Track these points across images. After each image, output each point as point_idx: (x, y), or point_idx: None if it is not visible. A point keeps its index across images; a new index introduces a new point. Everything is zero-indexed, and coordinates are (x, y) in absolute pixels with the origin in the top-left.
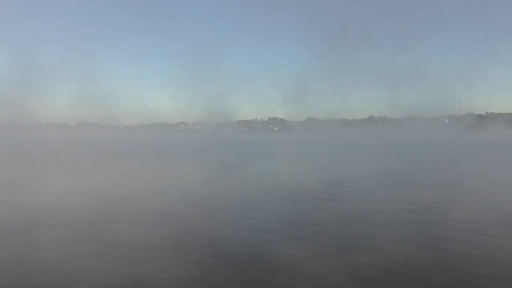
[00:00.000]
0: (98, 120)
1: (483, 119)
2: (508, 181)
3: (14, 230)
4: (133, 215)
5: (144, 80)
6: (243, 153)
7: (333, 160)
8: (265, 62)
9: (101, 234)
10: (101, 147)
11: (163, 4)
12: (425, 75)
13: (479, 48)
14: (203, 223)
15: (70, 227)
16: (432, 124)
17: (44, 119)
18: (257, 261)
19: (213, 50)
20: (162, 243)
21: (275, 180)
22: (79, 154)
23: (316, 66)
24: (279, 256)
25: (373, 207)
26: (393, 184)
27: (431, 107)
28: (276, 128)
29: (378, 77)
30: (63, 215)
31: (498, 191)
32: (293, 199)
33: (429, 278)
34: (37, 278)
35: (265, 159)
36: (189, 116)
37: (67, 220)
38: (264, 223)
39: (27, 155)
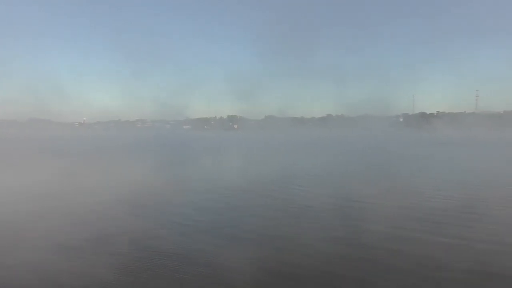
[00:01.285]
0: (50, 117)
1: (434, 118)
2: (438, 178)
3: None
4: (60, 214)
5: (96, 76)
6: (189, 151)
7: (272, 158)
8: (220, 60)
9: (24, 234)
10: (43, 146)
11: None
12: (379, 75)
13: (428, 49)
14: (130, 222)
15: None
16: (386, 122)
17: None
18: (184, 259)
19: (167, 45)
20: (86, 244)
21: (211, 178)
22: (19, 153)
23: (270, 65)
24: (204, 254)
25: (301, 203)
26: (324, 181)
27: (385, 106)
28: (235, 126)
29: (331, 76)
30: None
31: (427, 187)
32: (226, 196)
33: (354, 273)
34: None
35: (208, 157)
36: (146, 113)
37: None
38: (193, 221)
39: None
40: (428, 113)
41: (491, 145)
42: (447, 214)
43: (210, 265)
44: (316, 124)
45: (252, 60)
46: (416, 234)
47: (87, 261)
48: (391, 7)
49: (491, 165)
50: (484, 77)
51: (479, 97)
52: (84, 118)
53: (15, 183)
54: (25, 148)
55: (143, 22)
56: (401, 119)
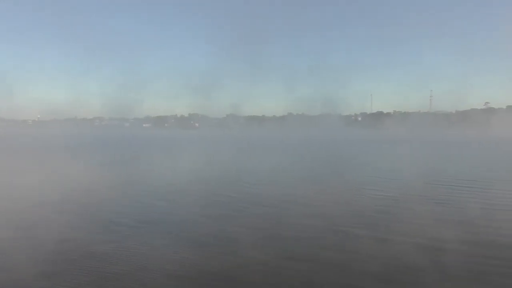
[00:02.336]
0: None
1: (388, 117)
2: (377, 176)
3: None
4: None
5: (47, 72)
6: (138, 149)
7: (221, 157)
8: (176, 57)
9: None
10: None
11: None
12: (334, 75)
13: (385, 51)
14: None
15: None
16: (345, 121)
17: None
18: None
19: (120, 41)
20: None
21: (155, 178)
22: None
23: (226, 63)
24: (132, 253)
25: (243, 203)
26: (263, 180)
27: (339, 106)
28: (196, 124)
29: (286, 75)
30: None
31: (363, 185)
32: (162, 196)
33: (294, 267)
34: None
35: (156, 156)
36: (99, 111)
37: None
38: (125, 221)
39: None
40: (385, 112)
41: (433, 144)
42: (371, 210)
43: (132, 264)
44: (276, 123)
45: (209, 58)
46: (348, 229)
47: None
48: (348, 10)
49: (419, 162)
50: (437, 78)
51: (433, 97)
52: (38, 116)
53: None
54: None
55: (97, 19)
56: (359, 118)
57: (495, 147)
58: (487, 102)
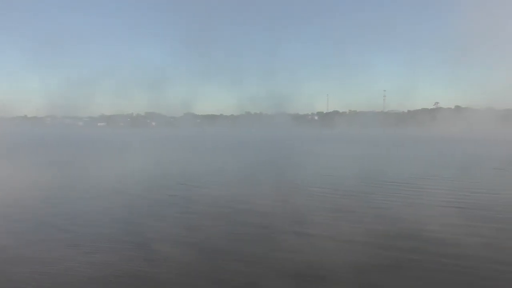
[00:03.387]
0: None
1: (345, 116)
2: (324, 174)
3: None
4: None
5: None
6: (82, 149)
7: (168, 156)
8: (129, 56)
9: None
10: None
11: None
12: (292, 75)
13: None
14: None
15: None
16: (301, 120)
17: None
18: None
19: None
20: None
21: (91, 179)
22: None
23: (181, 63)
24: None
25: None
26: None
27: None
28: (153, 123)
29: (236, 75)
30: None
31: (301, 183)
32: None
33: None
34: None
35: (99, 156)
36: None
37: None
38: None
39: None
40: (341, 111)
41: (380, 142)
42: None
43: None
44: (233, 122)
45: (163, 56)
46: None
47: None
48: (299, 10)
49: (361, 161)
50: (389, 79)
51: (386, 97)
52: None
53: None
54: None
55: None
56: (316, 118)
57: (438, 146)
58: (437, 102)
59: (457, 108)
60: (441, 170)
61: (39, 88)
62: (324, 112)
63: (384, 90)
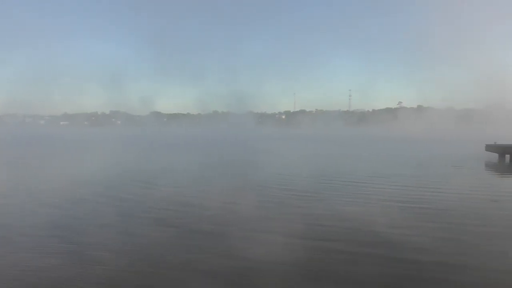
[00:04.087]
0: None
1: (311, 115)
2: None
3: None
4: None
5: None
6: (36, 149)
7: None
8: (88, 53)
9: None
10: None
11: None
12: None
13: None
14: None
15: None
16: (268, 119)
17: None
18: None
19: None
20: None
21: (41, 181)
22: None
23: (142, 61)
24: None
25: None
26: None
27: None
28: (118, 122)
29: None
30: None
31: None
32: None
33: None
34: None
35: (56, 157)
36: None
37: None
38: None
39: None
40: (307, 110)
41: (339, 141)
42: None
43: None
44: (199, 121)
45: (124, 55)
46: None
47: None
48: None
49: (316, 159)
50: (355, 79)
51: (352, 97)
52: None
53: None
54: None
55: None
56: (283, 116)
57: (397, 145)
58: (400, 102)
59: (419, 107)
60: (399, 169)
61: None
62: (291, 111)
63: (350, 90)
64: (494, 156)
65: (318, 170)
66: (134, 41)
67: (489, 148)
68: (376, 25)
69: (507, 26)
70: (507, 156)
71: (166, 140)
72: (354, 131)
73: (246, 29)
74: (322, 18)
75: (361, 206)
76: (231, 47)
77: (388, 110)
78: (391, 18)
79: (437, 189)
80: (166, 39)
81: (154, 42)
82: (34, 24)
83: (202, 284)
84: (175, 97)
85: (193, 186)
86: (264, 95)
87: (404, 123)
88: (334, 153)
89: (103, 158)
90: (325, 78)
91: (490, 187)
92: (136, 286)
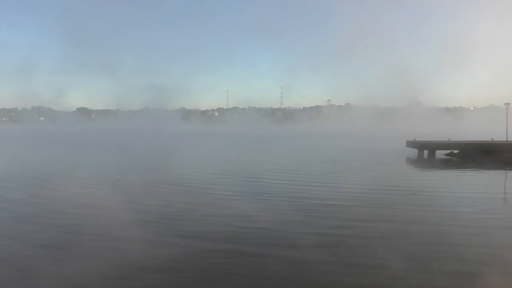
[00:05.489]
0: None
1: (244, 112)
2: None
3: None
4: None
5: None
6: None
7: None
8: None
9: None
10: None
11: None
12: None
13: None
14: None
15: None
16: (201, 116)
17: None
18: None
19: None
20: None
21: None
22: None
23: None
24: None
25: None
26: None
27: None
28: (41, 118)
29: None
30: None
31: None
32: None
33: None
34: None
35: None
36: None
37: None
38: None
39: None
40: (240, 107)
41: (265, 138)
42: None
43: None
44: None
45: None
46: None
47: None
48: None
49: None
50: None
51: (284, 94)
52: None
53: None
54: None
55: None
56: (216, 113)
57: (320, 140)
58: (329, 100)
59: (347, 105)
60: (317, 165)
61: None
62: (224, 108)
63: (281, 87)
64: (414, 152)
65: (224, 167)
66: (50, 32)
67: (410, 144)
68: (308, 26)
69: (424, 30)
70: (425, 152)
71: (81, 138)
72: (283, 128)
73: (175, 26)
74: (250, 17)
75: (249, 204)
76: (160, 43)
77: (318, 108)
78: (322, 19)
79: (355, 185)
80: (83, 35)
81: (77, 36)
82: None
83: None
84: (102, 93)
85: (99, 186)
86: (197, 91)
87: (332, 120)
88: (252, 149)
89: (19, 157)
90: (257, 76)
91: (409, 182)
92: None
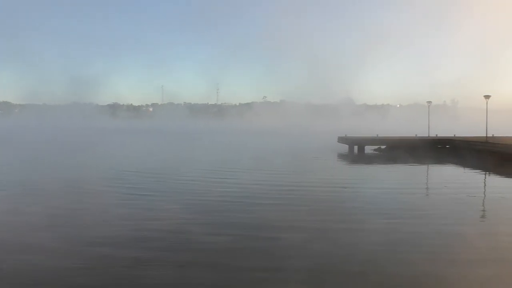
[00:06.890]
0: None
1: (180, 108)
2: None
3: None
4: None
5: None
6: None
7: None
8: None
9: None
10: None
11: None
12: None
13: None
14: None
15: None
16: (135, 112)
17: None
18: None
19: None
20: None
21: None
22: None
23: None
24: None
25: None
26: None
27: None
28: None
29: None
30: None
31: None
32: None
33: None
34: None
35: None
36: None
37: None
38: None
39: None
40: (175, 103)
41: (193, 134)
42: None
43: None
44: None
45: None
46: None
47: None
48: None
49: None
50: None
51: (219, 90)
52: None
53: None
54: None
55: None
56: (151, 109)
57: (252, 138)
58: (265, 96)
59: (282, 101)
60: (243, 162)
61: None
62: (159, 103)
63: (217, 83)
64: (344, 147)
65: (140, 165)
66: None
67: (341, 140)
68: (240, 23)
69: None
70: (356, 147)
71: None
72: (216, 124)
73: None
74: (181, 14)
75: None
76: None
77: (252, 104)
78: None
79: (290, 181)
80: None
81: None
82: None
83: None
84: (26, 87)
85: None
86: (129, 86)
87: (266, 117)
88: (173, 146)
89: None
90: (193, 72)
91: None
92: None
